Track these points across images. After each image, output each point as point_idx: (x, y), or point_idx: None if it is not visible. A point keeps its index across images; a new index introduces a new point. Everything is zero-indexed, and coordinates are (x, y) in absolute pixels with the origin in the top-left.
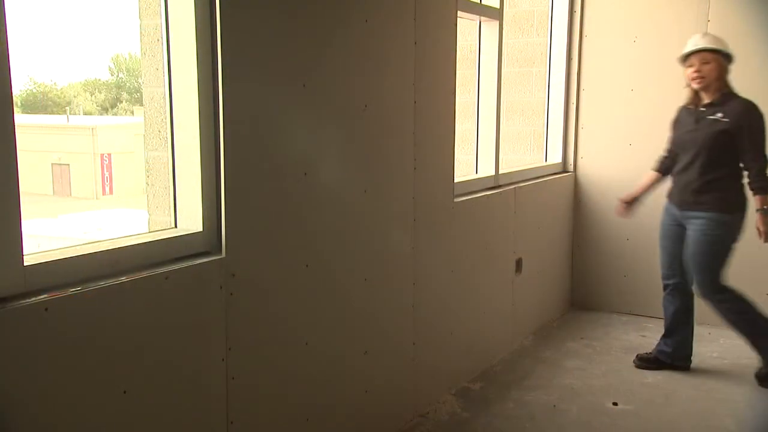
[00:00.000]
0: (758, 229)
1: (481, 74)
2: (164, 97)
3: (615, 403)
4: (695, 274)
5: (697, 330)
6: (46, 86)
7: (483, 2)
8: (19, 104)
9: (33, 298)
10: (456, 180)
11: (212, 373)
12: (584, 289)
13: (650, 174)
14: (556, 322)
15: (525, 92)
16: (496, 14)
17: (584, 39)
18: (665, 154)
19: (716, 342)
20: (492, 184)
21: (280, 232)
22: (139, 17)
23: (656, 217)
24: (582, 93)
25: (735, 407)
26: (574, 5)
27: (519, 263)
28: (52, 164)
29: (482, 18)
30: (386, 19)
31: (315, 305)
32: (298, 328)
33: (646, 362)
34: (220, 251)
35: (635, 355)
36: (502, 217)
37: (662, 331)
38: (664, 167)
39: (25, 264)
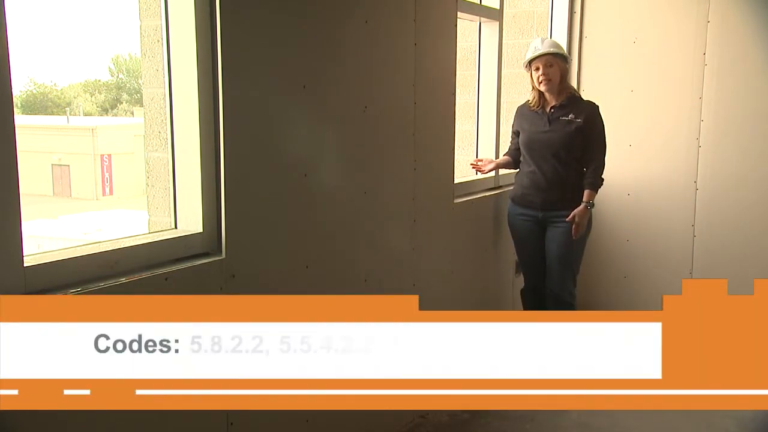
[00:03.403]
0: (574, 222)
1: (481, 75)
2: (164, 98)
3: None
4: (563, 274)
5: None
6: (46, 87)
7: (483, 3)
8: (19, 105)
9: None
10: (456, 181)
11: None
12: (584, 290)
13: (505, 157)
14: None
15: (525, 93)
16: (496, 15)
17: (584, 40)
18: (513, 147)
19: None
20: (492, 185)
21: (280, 233)
22: (139, 18)
23: (657, 219)
24: (581, 94)
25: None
26: (574, 6)
27: (519, 265)
28: (52, 165)
29: (482, 19)
30: (386, 20)
31: None
32: None
33: None
34: (220, 252)
35: None
36: (502, 218)
37: None
38: (514, 159)
39: (26, 265)
